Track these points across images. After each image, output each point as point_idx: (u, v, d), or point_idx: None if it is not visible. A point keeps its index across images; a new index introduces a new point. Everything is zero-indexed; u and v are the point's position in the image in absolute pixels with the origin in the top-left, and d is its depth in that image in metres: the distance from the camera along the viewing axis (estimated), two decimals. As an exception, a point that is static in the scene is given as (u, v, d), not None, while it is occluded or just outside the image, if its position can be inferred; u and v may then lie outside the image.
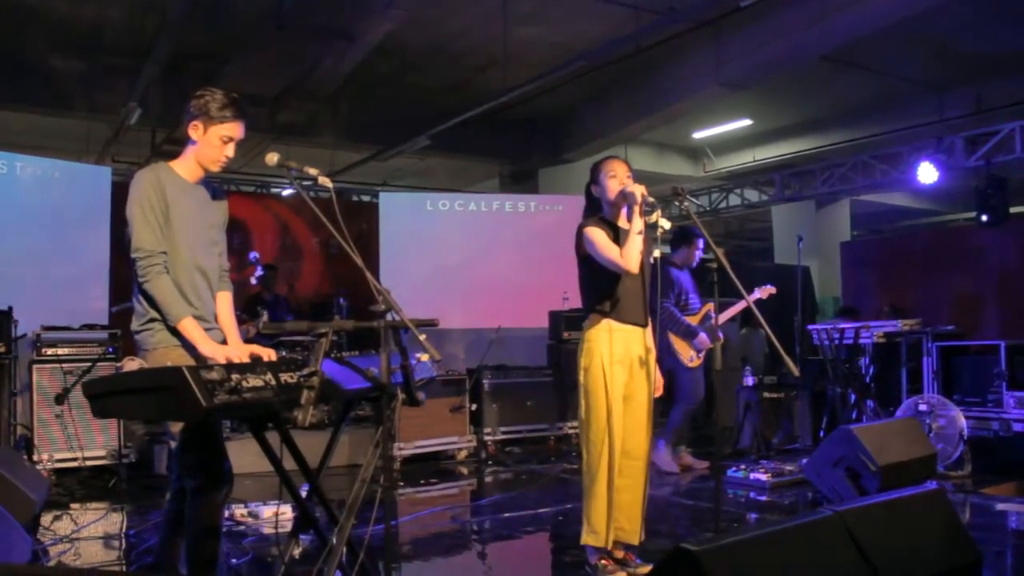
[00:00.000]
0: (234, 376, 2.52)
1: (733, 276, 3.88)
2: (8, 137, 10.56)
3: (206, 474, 3.15)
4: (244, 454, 5.54)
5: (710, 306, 6.81)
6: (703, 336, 6.80)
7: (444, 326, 3.26)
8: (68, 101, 9.78)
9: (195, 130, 3.30)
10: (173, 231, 3.26)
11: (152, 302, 3.19)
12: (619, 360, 4.01)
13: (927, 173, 10.79)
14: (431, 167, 13.82)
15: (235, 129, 3.32)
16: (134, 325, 3.29)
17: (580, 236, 4.10)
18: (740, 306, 6.94)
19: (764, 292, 6.91)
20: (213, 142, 3.30)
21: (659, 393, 4.23)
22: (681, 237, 7.09)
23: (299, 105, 10.61)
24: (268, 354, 3.02)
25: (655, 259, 3.95)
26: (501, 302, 10.17)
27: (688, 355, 6.87)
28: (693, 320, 6.90)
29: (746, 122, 12.70)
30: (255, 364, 2.73)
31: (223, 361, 2.90)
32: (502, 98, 9.27)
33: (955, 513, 3.32)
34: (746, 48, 9.15)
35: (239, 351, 3.04)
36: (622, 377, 4.02)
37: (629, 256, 3.88)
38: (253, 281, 8.82)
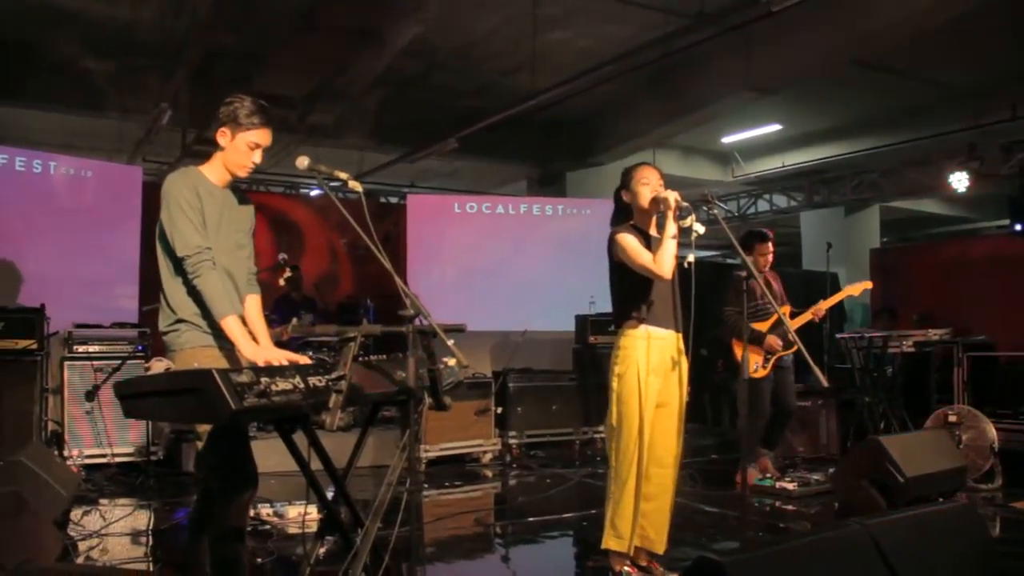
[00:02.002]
0: (263, 379, 2.53)
1: (761, 284, 3.85)
2: (41, 136, 10.69)
3: (231, 475, 3.17)
4: (270, 454, 5.53)
5: (784, 310, 6.48)
6: (770, 340, 6.48)
7: (470, 328, 3.26)
8: (100, 101, 9.87)
9: (223, 136, 3.33)
10: None
11: (198, 300, 3.22)
12: (654, 369, 4.00)
13: (960, 180, 10.67)
14: (458, 169, 13.84)
15: (263, 136, 3.34)
16: (162, 325, 3.33)
17: (612, 243, 4.09)
18: (823, 305, 6.56)
19: (857, 288, 6.67)
20: (241, 148, 3.32)
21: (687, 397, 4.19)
22: (747, 241, 6.70)
23: (328, 107, 10.64)
24: (304, 361, 3.03)
25: (689, 264, 3.91)
26: (527, 305, 10.17)
27: (752, 365, 6.52)
28: (762, 326, 6.55)
29: (776, 127, 12.63)
30: (284, 368, 2.75)
31: (262, 363, 2.92)
32: (530, 101, 9.26)
33: (985, 528, 3.28)
34: (776, 53, 9.09)
35: (276, 355, 3.06)
36: (656, 386, 4.01)
37: (662, 261, 3.87)
38: (281, 283, 8.87)
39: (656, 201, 3.99)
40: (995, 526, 5.47)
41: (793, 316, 6.58)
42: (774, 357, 6.56)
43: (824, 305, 6.53)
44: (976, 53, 9.66)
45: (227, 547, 3.20)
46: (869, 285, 6.84)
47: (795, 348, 6.57)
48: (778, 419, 6.79)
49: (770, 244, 6.66)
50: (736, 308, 6.59)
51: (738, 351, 6.66)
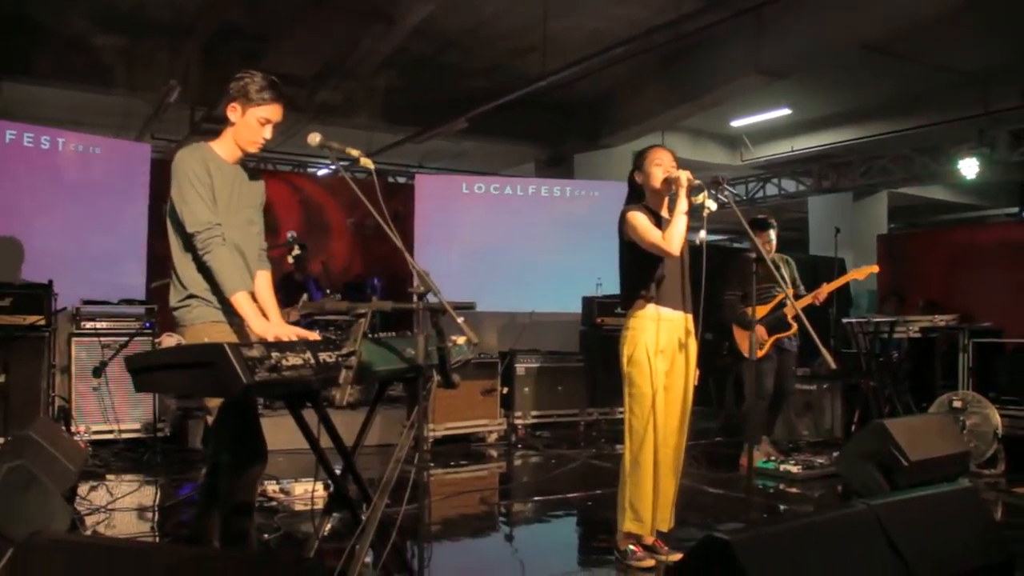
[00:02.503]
0: (274, 354, 2.54)
1: (773, 268, 3.84)
2: (50, 113, 10.68)
3: (241, 450, 3.19)
4: (277, 431, 5.56)
5: (783, 295, 6.60)
6: (758, 330, 6.44)
7: (478, 309, 3.27)
8: (109, 78, 9.85)
9: (234, 112, 3.33)
10: None
11: (208, 276, 3.23)
12: (662, 349, 4.02)
13: (969, 167, 10.64)
14: (466, 150, 13.82)
15: (274, 111, 3.34)
16: (172, 301, 3.34)
17: (623, 221, 4.10)
18: (824, 290, 6.57)
19: (862, 273, 6.65)
20: (251, 124, 3.33)
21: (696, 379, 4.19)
22: (753, 226, 6.61)
23: (337, 85, 10.63)
24: (314, 337, 3.04)
25: (701, 241, 3.91)
26: (534, 286, 10.19)
27: (747, 347, 6.63)
28: (763, 309, 6.58)
29: (785, 111, 12.57)
30: (294, 343, 2.76)
31: (272, 339, 2.93)
32: (540, 83, 9.24)
33: (989, 511, 3.29)
34: (787, 36, 9.05)
35: (286, 330, 3.07)
36: (664, 367, 4.03)
37: (672, 237, 3.88)
38: (291, 260, 8.88)
39: (668, 181, 4.00)
40: (997, 511, 5.48)
41: (796, 299, 6.58)
42: (769, 340, 6.59)
43: (826, 288, 6.55)
44: (987, 39, 9.60)
45: (235, 521, 3.23)
46: (875, 269, 6.84)
47: (794, 330, 6.62)
48: (774, 402, 6.84)
49: (771, 232, 6.68)
50: (736, 292, 6.65)
51: (737, 334, 6.71)
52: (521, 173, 14.28)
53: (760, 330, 6.52)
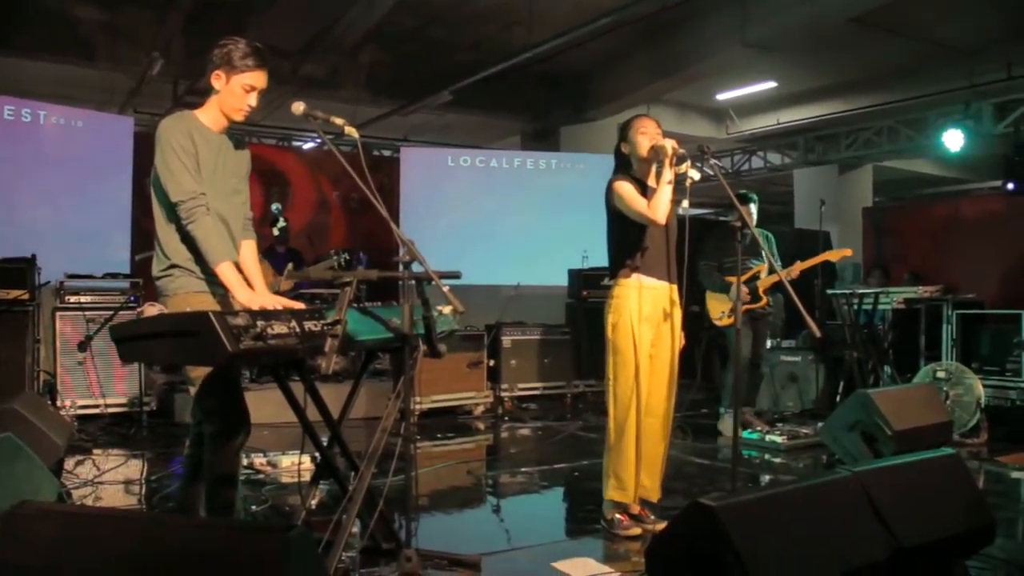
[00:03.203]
0: (259, 323, 2.54)
1: (763, 244, 3.84)
2: (32, 86, 10.55)
3: (224, 419, 3.18)
4: (263, 404, 5.59)
5: (760, 268, 6.77)
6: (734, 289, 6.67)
7: (463, 282, 3.26)
8: (91, 51, 9.75)
9: (218, 79, 3.29)
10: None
11: (192, 246, 3.20)
12: (647, 317, 4.03)
13: (954, 139, 10.67)
14: (451, 124, 13.75)
15: (258, 78, 3.31)
16: (154, 271, 3.31)
17: (609, 191, 4.11)
18: (797, 268, 6.59)
19: (836, 255, 6.74)
20: (236, 91, 3.29)
21: (682, 344, 4.21)
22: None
23: (322, 58, 10.55)
24: (299, 307, 3.03)
25: (684, 210, 3.94)
26: (520, 259, 10.19)
27: (716, 313, 6.83)
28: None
29: (771, 84, 12.55)
30: (280, 312, 2.75)
31: (257, 309, 2.92)
32: (525, 55, 9.19)
33: (972, 478, 3.32)
34: (772, 9, 9.02)
35: (271, 300, 3.05)
36: (649, 335, 4.03)
37: (657, 206, 3.89)
38: (276, 233, 8.84)
39: (654, 149, 4.00)
40: (980, 479, 5.54)
41: (769, 274, 6.68)
42: (742, 307, 6.63)
43: (799, 267, 6.63)
44: (972, 12, 9.60)
45: (220, 492, 3.21)
46: (848, 252, 6.87)
47: (764, 303, 6.71)
48: (749, 369, 6.99)
49: (752, 206, 6.78)
50: (711, 261, 6.74)
51: (710, 302, 6.81)
52: (507, 146, 14.23)
53: (743, 292, 6.58)
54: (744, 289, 6.59)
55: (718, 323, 6.84)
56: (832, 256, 6.77)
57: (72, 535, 2.09)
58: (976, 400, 6.54)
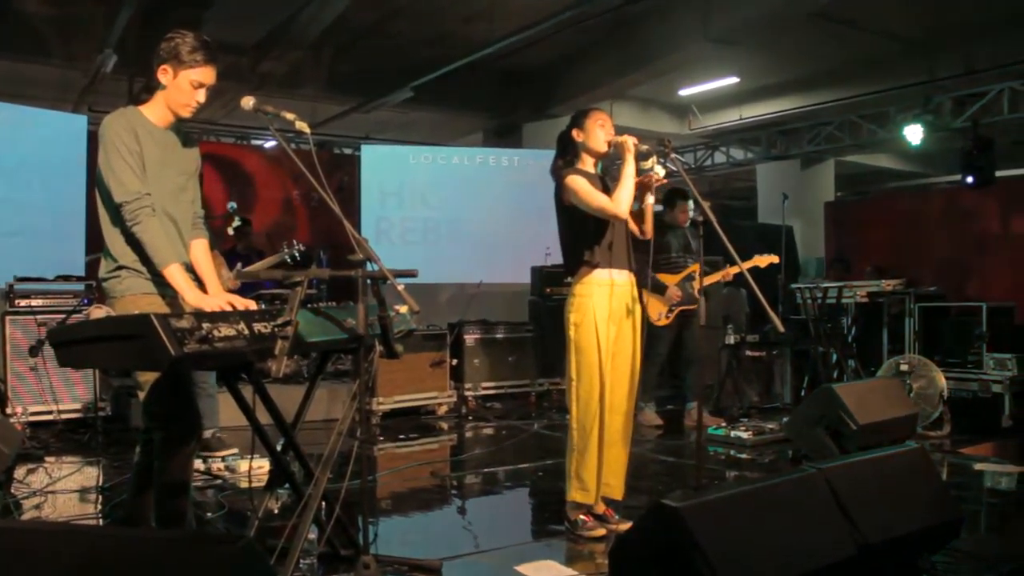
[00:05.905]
0: (205, 325, 2.44)
1: (725, 238, 3.78)
2: (-19, 84, 10.33)
3: (175, 425, 3.08)
4: (223, 408, 5.51)
5: (695, 267, 6.79)
6: (671, 291, 6.84)
7: (426, 280, 3.19)
8: (43, 48, 9.53)
9: (164, 74, 3.18)
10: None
11: (138, 247, 3.09)
12: (611, 315, 3.97)
13: (914, 133, 10.76)
14: (413, 121, 13.64)
15: (206, 74, 3.19)
16: (102, 272, 3.21)
17: (561, 187, 4.03)
18: (732, 270, 6.78)
19: (764, 261, 6.78)
20: (183, 87, 3.18)
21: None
22: (669, 199, 7.11)
23: (280, 55, 10.39)
24: (248, 306, 2.93)
25: (645, 206, 3.92)
26: (483, 257, 10.11)
27: (656, 314, 6.84)
28: (673, 279, 6.88)
29: (733, 80, 12.56)
30: (228, 313, 2.65)
31: (205, 311, 2.81)
32: (487, 49, 9.11)
33: (937, 472, 3.30)
34: (735, 4, 9.02)
35: (221, 300, 2.94)
36: (612, 333, 3.97)
37: (620, 199, 3.83)
38: (230, 232, 8.68)
39: (614, 145, 3.94)
40: (943, 471, 5.55)
41: (706, 274, 6.71)
42: (677, 308, 6.88)
43: (732, 270, 6.74)
44: (931, 8, 9.65)
45: (171, 501, 3.12)
46: (775, 259, 6.83)
47: (697, 305, 6.77)
48: (691, 368, 7.21)
49: (689, 203, 6.96)
50: (643, 257, 6.76)
51: (648, 302, 6.85)
52: (470, 144, 14.15)
53: (673, 291, 6.86)
54: (677, 292, 6.75)
55: (657, 323, 6.89)
56: (760, 261, 6.72)
57: (9, 551, 1.98)
58: (939, 393, 6.57)
